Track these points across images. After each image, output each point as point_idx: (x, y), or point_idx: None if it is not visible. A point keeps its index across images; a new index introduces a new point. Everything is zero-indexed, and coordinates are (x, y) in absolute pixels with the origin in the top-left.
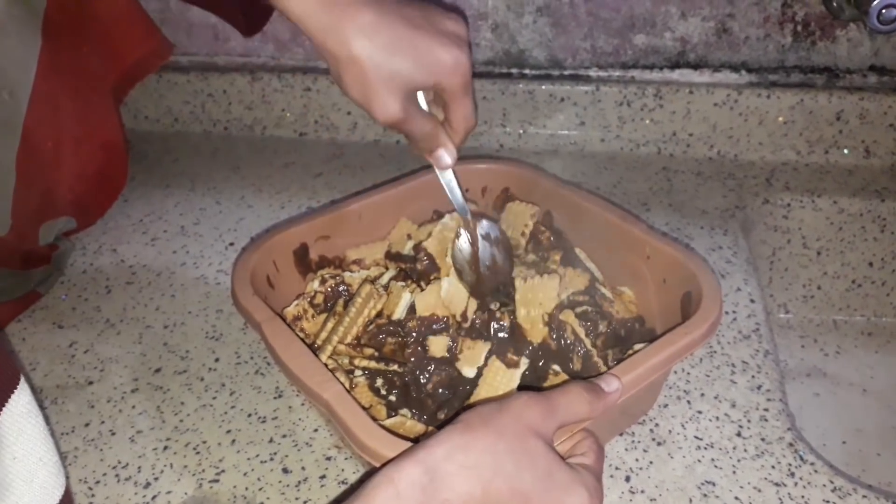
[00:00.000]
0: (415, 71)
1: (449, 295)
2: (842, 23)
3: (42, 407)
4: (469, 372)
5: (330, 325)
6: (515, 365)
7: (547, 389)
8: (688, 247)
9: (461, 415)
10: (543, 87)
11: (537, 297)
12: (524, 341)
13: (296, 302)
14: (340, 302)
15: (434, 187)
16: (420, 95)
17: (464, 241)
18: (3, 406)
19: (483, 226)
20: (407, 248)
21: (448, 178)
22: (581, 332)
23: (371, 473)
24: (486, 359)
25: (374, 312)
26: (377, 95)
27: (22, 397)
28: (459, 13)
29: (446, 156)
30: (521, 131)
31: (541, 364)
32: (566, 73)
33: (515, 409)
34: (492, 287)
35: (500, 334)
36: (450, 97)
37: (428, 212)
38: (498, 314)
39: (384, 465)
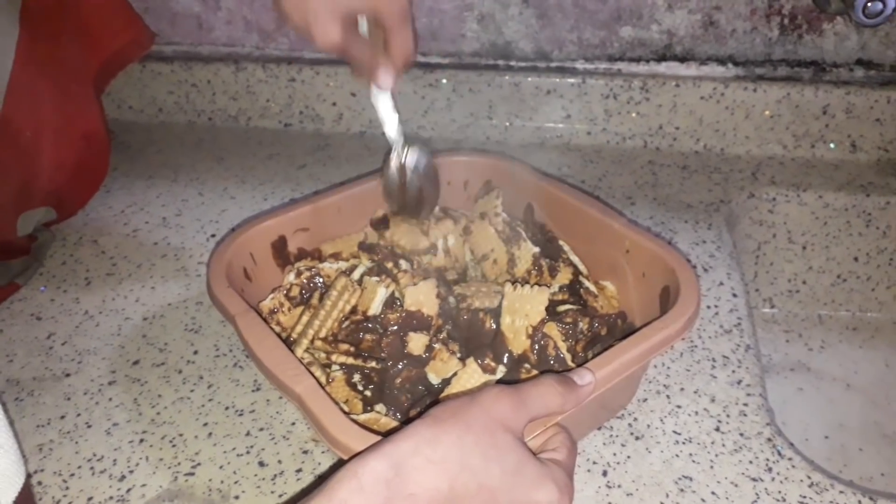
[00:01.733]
0: None
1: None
2: (828, 16)
3: (18, 399)
4: (433, 379)
5: (305, 318)
6: (492, 371)
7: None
8: (669, 241)
9: (431, 409)
10: (530, 79)
11: (524, 308)
12: (504, 349)
13: (272, 295)
14: (317, 294)
15: None
16: (362, 23)
17: (394, 169)
18: None
19: (413, 155)
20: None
21: (384, 103)
22: (563, 348)
23: (340, 467)
24: (464, 360)
25: (348, 306)
26: (317, 21)
27: None
28: None
29: (386, 77)
30: (508, 124)
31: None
32: (552, 65)
33: (485, 402)
34: (416, 213)
35: (480, 342)
36: (388, 26)
37: None
38: (482, 315)
39: (350, 458)
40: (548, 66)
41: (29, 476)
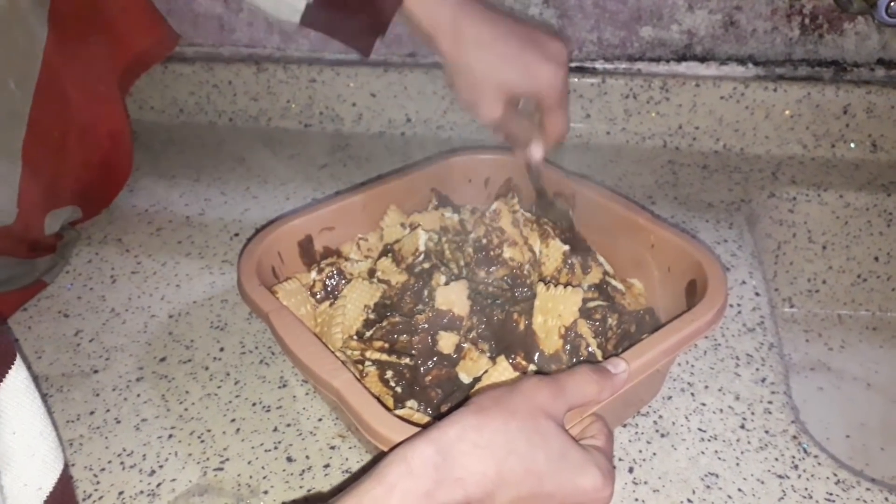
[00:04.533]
0: (519, 81)
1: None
2: (850, 16)
3: (47, 395)
4: (464, 378)
5: (326, 317)
6: (523, 370)
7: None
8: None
9: (472, 398)
10: None
11: (557, 308)
12: (535, 348)
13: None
14: (343, 289)
15: (437, 177)
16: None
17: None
18: (1, 381)
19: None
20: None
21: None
22: (594, 344)
23: (379, 459)
24: (494, 359)
25: (371, 302)
26: (484, 100)
27: (19, 373)
28: (563, 39)
29: (538, 150)
30: None
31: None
32: (572, 65)
33: (526, 391)
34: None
35: (511, 340)
36: (546, 108)
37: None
38: (515, 315)
39: (395, 446)
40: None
41: (68, 464)
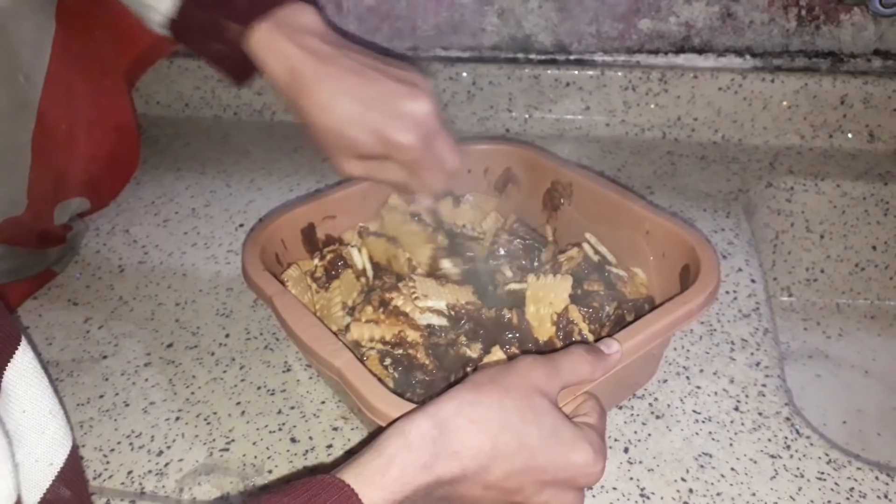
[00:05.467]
0: (367, 144)
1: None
2: (846, 7)
3: (58, 379)
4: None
5: (325, 301)
6: None
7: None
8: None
9: (470, 376)
10: (549, 71)
11: (548, 296)
12: (530, 337)
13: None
14: (346, 273)
15: None
16: None
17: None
18: (9, 361)
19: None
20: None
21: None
22: (586, 329)
23: (377, 434)
24: (490, 348)
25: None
26: (334, 159)
27: (26, 354)
28: (426, 84)
29: (425, 201)
30: (527, 116)
31: None
32: (572, 57)
33: (521, 369)
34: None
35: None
36: (409, 168)
37: None
38: (506, 312)
39: (395, 420)
40: (567, 58)
41: (76, 444)
